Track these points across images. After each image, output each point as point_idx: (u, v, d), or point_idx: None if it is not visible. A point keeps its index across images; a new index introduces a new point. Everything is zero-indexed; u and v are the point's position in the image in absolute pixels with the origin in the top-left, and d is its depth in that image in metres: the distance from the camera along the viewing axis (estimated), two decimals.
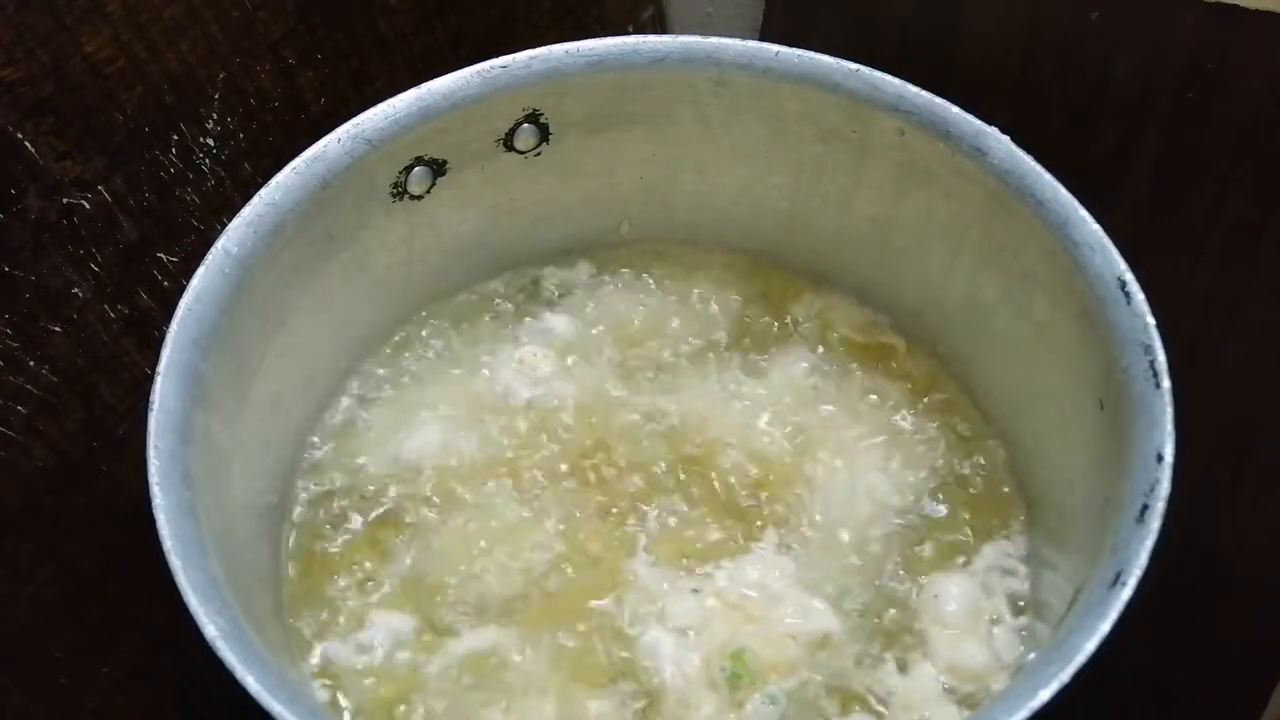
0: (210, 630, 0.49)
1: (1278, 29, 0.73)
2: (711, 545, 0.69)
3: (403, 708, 0.63)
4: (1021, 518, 0.70)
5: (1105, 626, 0.49)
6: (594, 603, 0.66)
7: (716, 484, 0.71)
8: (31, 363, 0.65)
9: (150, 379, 0.57)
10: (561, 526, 0.69)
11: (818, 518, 0.70)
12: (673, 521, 0.70)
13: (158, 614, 0.75)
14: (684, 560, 0.68)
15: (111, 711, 0.75)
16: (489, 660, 0.65)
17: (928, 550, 0.69)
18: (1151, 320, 0.58)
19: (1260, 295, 0.78)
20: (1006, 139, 0.65)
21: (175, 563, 0.51)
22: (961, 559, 0.69)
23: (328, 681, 0.64)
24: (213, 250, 0.61)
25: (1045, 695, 0.48)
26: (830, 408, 0.74)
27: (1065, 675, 0.48)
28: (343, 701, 0.64)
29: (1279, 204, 0.76)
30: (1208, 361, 0.80)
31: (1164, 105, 0.78)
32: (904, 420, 0.74)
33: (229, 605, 0.52)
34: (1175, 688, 0.86)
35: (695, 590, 0.66)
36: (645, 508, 0.70)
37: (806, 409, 0.74)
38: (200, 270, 0.61)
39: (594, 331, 0.78)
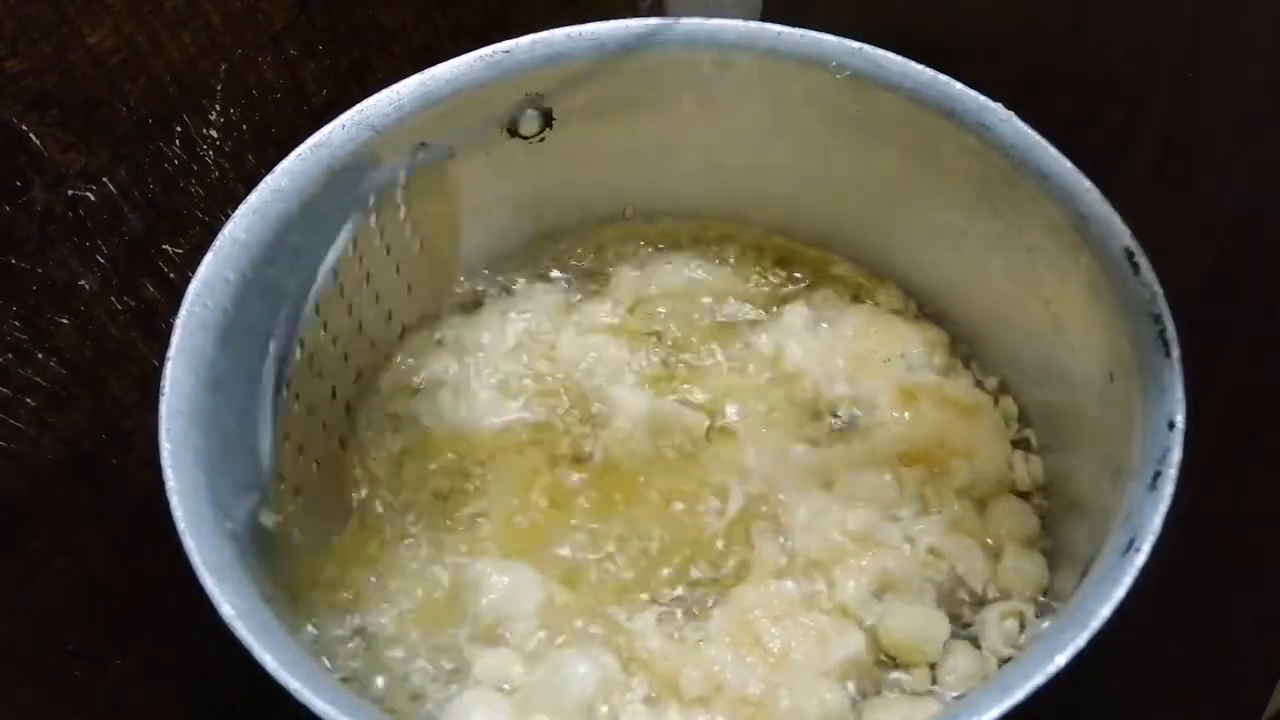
0: (227, 610, 0.49)
1: (1278, 6, 0.73)
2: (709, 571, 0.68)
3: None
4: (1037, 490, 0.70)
5: (1120, 592, 0.50)
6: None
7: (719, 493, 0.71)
8: (40, 355, 0.65)
9: (158, 371, 0.57)
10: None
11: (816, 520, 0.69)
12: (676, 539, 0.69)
13: (169, 607, 0.75)
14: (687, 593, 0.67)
15: (123, 704, 0.75)
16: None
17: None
18: (1160, 290, 0.58)
19: (1264, 275, 0.78)
20: (1011, 114, 0.65)
21: (190, 544, 0.51)
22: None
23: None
24: (220, 236, 0.62)
25: (1062, 660, 0.48)
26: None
27: (1081, 640, 0.48)
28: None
29: None
30: (1212, 343, 0.79)
31: (1165, 85, 0.78)
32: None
33: (245, 585, 0.52)
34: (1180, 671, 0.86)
35: (700, 640, 0.64)
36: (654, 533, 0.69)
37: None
38: (208, 257, 0.61)
39: (599, 312, 0.78)
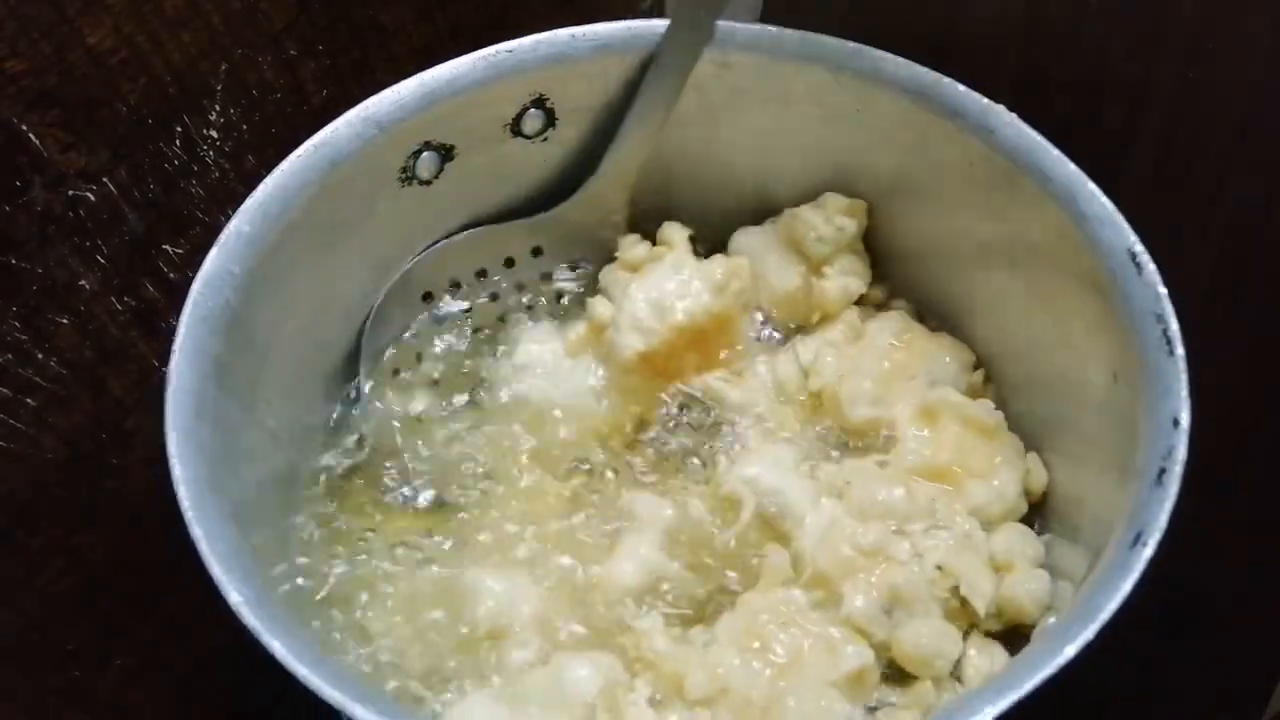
0: (234, 597, 0.50)
1: (1278, 6, 0.73)
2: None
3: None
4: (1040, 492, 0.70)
5: (1127, 586, 0.50)
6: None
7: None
8: (40, 355, 0.65)
9: (158, 371, 0.58)
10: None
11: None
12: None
13: (168, 606, 0.75)
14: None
15: (124, 703, 0.75)
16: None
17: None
18: (1163, 289, 0.59)
19: (1264, 275, 0.79)
20: (1013, 115, 0.65)
21: (197, 532, 0.51)
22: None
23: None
24: (225, 232, 0.62)
25: (1071, 651, 0.48)
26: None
27: (1090, 633, 0.48)
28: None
29: None
30: (1212, 343, 0.80)
31: (1165, 85, 0.78)
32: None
33: (252, 574, 0.52)
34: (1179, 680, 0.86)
35: (707, 644, 0.63)
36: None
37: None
38: (213, 252, 0.61)
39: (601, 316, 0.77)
